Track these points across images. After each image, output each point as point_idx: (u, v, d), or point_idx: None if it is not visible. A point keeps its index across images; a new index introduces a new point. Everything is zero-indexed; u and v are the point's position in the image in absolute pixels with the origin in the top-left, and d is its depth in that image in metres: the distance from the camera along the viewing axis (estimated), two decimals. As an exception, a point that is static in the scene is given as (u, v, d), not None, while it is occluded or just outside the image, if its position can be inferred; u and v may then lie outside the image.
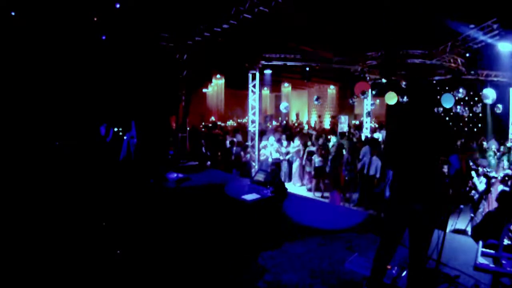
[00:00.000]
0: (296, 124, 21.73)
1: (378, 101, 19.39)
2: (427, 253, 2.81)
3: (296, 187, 10.71)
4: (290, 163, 11.21)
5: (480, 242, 3.51)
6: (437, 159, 2.89)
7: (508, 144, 11.37)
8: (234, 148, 10.90)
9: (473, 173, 7.59)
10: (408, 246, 2.85)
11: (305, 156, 10.70)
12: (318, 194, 9.89)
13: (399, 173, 2.96)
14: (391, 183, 3.00)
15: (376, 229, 4.30)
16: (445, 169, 3.88)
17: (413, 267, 2.81)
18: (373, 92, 15.37)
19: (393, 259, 2.97)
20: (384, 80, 14.00)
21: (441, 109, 14.49)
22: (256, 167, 10.90)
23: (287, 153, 11.17)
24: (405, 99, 13.74)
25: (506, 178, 7.09)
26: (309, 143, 11.26)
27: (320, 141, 11.06)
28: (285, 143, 11.36)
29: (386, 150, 3.22)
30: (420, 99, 2.99)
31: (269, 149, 11.04)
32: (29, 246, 3.76)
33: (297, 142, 11.14)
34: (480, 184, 7.39)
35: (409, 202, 2.79)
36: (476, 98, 14.68)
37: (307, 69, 13.23)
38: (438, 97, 13.28)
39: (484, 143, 12.32)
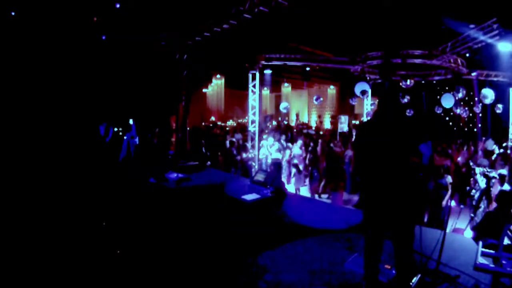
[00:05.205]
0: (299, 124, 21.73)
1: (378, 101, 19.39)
2: (412, 249, 2.82)
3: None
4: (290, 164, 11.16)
5: (480, 242, 3.51)
6: (406, 160, 2.82)
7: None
8: (234, 148, 10.88)
9: (477, 169, 7.51)
10: (392, 245, 2.86)
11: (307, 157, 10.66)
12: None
13: (369, 180, 2.96)
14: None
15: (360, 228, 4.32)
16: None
17: (399, 265, 2.82)
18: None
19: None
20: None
21: (441, 109, 14.50)
22: (256, 167, 10.88)
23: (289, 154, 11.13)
24: (405, 99, 13.71)
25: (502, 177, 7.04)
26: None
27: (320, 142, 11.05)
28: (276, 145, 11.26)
29: (355, 161, 3.25)
30: (385, 99, 3.04)
31: (266, 146, 10.98)
32: (29, 245, 3.76)
33: (299, 143, 11.11)
34: (481, 183, 7.35)
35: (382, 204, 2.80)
36: (476, 98, 14.66)
37: (308, 69, 13.23)
38: (438, 97, 13.28)
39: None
